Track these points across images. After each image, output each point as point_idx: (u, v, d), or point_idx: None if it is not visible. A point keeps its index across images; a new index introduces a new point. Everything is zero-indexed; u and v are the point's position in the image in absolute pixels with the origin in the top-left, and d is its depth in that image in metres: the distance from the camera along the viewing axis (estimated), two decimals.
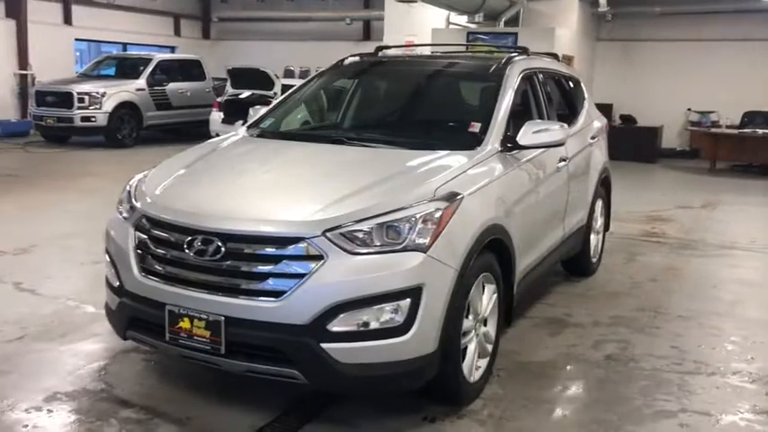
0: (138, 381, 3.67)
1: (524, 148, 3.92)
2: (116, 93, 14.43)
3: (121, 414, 3.29)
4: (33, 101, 14.56)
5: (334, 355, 2.92)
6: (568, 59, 14.19)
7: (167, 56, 16.89)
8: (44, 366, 3.79)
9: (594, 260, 5.89)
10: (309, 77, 4.89)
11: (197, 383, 3.61)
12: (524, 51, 4.87)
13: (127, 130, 14.52)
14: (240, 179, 3.52)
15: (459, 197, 3.24)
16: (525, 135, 3.88)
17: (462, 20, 14.34)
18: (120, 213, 3.52)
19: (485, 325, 3.62)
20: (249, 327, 2.97)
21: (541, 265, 4.51)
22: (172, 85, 15.50)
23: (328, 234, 2.94)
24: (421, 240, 3.02)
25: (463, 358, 3.39)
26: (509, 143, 3.88)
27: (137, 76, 15.05)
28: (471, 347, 3.45)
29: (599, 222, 5.90)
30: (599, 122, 5.89)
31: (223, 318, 2.99)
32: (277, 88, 13.79)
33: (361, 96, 4.90)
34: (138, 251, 3.28)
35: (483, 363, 3.62)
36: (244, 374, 3.14)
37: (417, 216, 3.06)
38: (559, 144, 4.02)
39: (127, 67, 15.57)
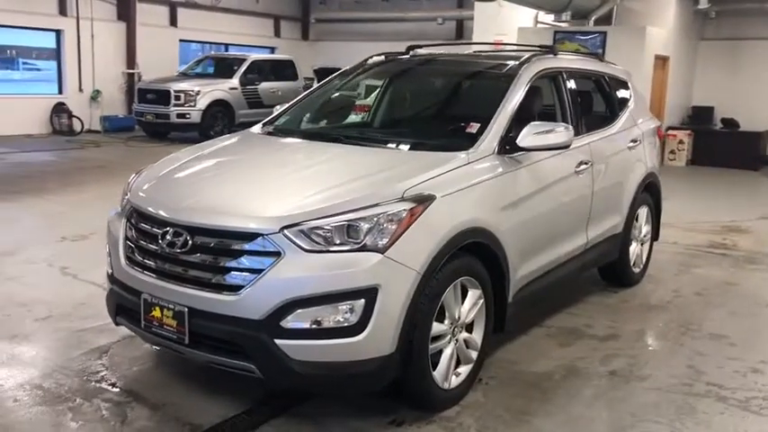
0: (135, 365, 3.84)
1: (524, 151, 3.78)
2: (210, 91, 15.12)
3: (105, 395, 3.47)
4: (136, 98, 15.50)
5: (287, 352, 2.95)
6: (663, 60, 13.56)
7: (261, 56, 17.47)
8: (56, 345, 4.05)
9: (637, 270, 5.59)
10: (332, 76, 4.93)
11: (186, 371, 3.74)
12: (551, 50, 4.70)
13: (219, 126, 15.15)
14: (223, 174, 3.62)
15: (429, 198, 3.18)
16: (526, 137, 3.74)
17: (550, 19, 13.97)
18: (120, 205, 3.70)
19: (468, 331, 3.54)
20: (210, 319, 3.04)
21: (555, 273, 4.33)
22: (264, 85, 16.06)
23: (286, 231, 2.97)
24: (380, 241, 2.99)
25: (437, 363, 3.34)
26: (508, 145, 3.77)
27: (231, 76, 15.70)
28: (447, 352, 3.38)
29: (643, 231, 5.58)
30: (646, 126, 5.57)
31: (187, 309, 3.08)
32: (361, 89, 14.01)
33: (373, 95, 4.90)
34: (127, 241, 3.45)
35: (464, 369, 3.53)
36: (209, 366, 3.23)
37: (380, 216, 3.03)
38: (563, 147, 3.86)
39: (223, 67, 16.28)
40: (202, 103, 14.89)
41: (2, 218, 7.28)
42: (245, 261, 3.01)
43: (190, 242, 3.11)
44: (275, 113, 4.64)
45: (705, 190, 11.34)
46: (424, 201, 3.16)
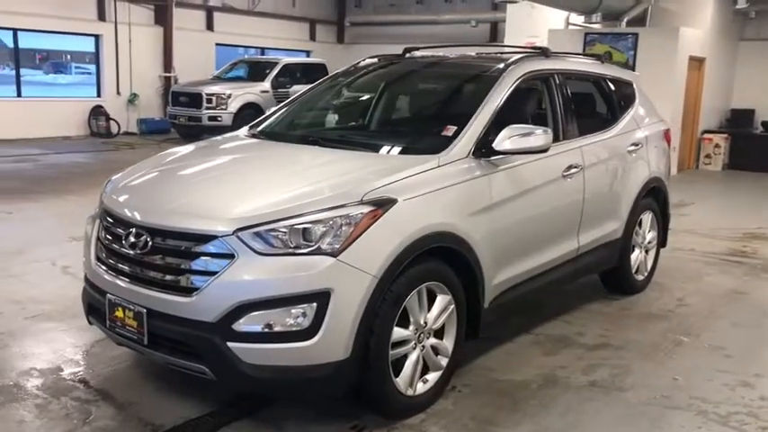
0: (112, 364, 3.87)
1: (499, 154, 3.70)
2: (241, 94, 15.32)
3: (74, 393, 3.51)
4: (170, 101, 15.79)
5: (239, 355, 2.94)
6: (698, 62, 13.19)
7: (292, 60, 17.61)
8: (39, 343, 4.13)
9: (640, 278, 5.43)
10: (324, 78, 4.93)
11: (161, 371, 3.75)
12: (543, 52, 4.61)
13: None
14: (191, 177, 3.63)
15: (389, 201, 3.14)
16: (503, 140, 3.67)
17: (581, 20, 13.73)
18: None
19: (438, 337, 3.48)
20: (166, 320, 3.06)
21: (541, 279, 4.23)
22: (295, 87, 16.07)
23: (240, 233, 2.96)
24: (333, 245, 2.96)
25: (401, 369, 3.29)
26: (484, 148, 3.70)
27: (263, 79, 15.88)
28: (411, 358, 3.33)
29: (647, 238, 5.42)
30: (651, 130, 5.40)
31: (146, 310, 3.10)
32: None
33: (358, 98, 4.87)
34: (98, 242, 3.49)
35: (433, 376, 3.48)
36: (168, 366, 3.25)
37: (335, 219, 3.00)
38: (541, 150, 3.76)
39: (256, 70, 16.47)
40: (234, 105, 15.09)
41: (21, 217, 7.48)
42: (201, 263, 3.01)
43: (150, 243, 3.13)
44: (264, 116, 4.65)
45: (737, 195, 10.99)
46: (383, 204, 3.12)
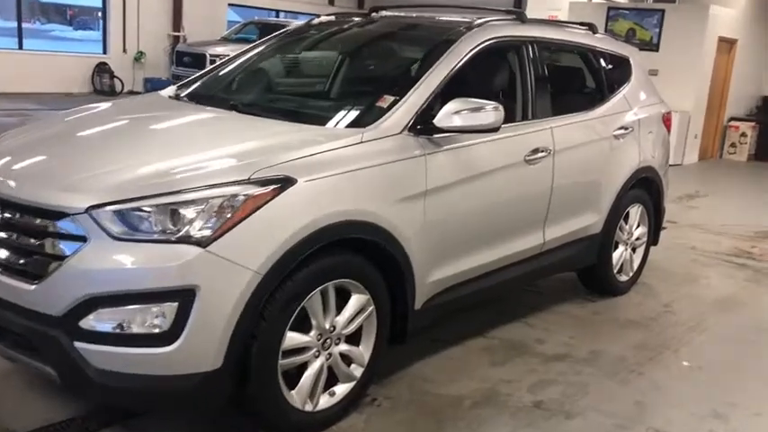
0: None
1: (442, 132, 3.14)
2: None
3: None
4: (174, 60, 15.32)
5: (87, 358, 2.44)
6: (729, 43, 12.33)
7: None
8: None
9: (624, 279, 4.83)
10: (268, 37, 4.38)
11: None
12: (519, 17, 3.99)
13: None
14: (70, 142, 3.09)
15: (286, 182, 2.60)
16: (445, 115, 3.11)
17: None
18: None
19: (354, 343, 2.97)
20: (9, 309, 2.56)
21: (494, 277, 3.68)
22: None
23: (93, 212, 2.44)
24: (203, 231, 2.43)
25: (297, 381, 2.78)
26: (423, 124, 3.13)
27: None
28: (313, 368, 2.81)
29: (634, 234, 4.81)
30: (646, 112, 4.75)
31: None
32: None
33: (301, 61, 4.31)
34: None
35: (342, 389, 2.97)
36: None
37: (210, 200, 2.47)
38: (490, 129, 3.18)
39: (266, 33, 15.80)
40: None
41: None
42: (49, 245, 2.51)
43: (1, 217, 2.63)
44: (197, 75, 4.12)
45: (758, 189, 10.24)
46: (276, 184, 2.58)
